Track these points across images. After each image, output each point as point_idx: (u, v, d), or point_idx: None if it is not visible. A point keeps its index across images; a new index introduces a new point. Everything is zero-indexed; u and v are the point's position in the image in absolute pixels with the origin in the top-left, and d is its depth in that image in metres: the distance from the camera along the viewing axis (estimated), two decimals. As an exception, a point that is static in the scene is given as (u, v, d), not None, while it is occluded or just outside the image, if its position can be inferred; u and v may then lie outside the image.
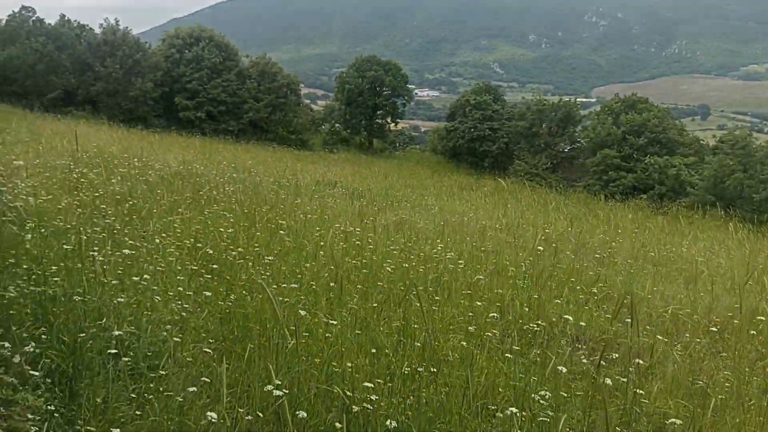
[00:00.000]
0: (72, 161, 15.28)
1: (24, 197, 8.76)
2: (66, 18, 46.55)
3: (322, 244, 8.62)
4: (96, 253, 5.84)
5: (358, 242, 9.29)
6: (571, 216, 23.59)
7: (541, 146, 47.31)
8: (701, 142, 44.62)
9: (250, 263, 7.28)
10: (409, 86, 59.73)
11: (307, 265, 7.31)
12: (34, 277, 5.67)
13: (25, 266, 6.07)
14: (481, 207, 23.36)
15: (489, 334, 5.52)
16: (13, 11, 44.66)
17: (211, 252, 7.30)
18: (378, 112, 57.07)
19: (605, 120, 43.67)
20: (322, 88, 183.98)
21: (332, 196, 18.83)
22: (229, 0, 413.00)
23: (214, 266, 6.84)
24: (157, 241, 7.26)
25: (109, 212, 9.56)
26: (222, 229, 8.69)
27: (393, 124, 58.79)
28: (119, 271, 5.96)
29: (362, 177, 30.88)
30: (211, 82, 47.87)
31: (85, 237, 6.78)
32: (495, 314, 6.38)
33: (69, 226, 7.90)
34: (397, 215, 16.03)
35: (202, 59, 48.21)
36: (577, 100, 52.55)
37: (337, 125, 57.92)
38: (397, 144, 60.75)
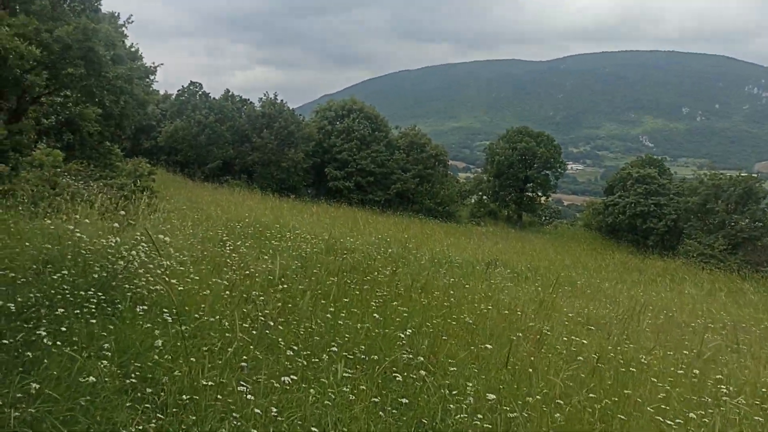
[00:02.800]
0: (225, 232, 14.31)
1: (167, 278, 7.32)
2: (230, 93, 48.87)
3: (532, 359, 6.36)
4: (243, 382, 3.98)
5: (574, 353, 6.92)
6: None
7: (716, 225, 42.26)
8: None
9: (446, 391, 5.16)
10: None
11: (530, 399, 5.07)
12: (156, 418, 3.90)
13: (149, 389, 4.35)
14: (667, 296, 19.97)
15: None
16: (183, 86, 47.61)
17: (397, 376, 5.27)
18: (528, 185, 54.44)
19: (797, 197, 38.18)
20: (464, 161, 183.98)
21: (499, 276, 16.53)
22: (375, 78, 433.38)
23: (404, 400, 4.79)
24: (325, 357, 5.33)
25: (261, 299, 7.93)
26: (399, 332, 6.70)
27: (544, 198, 55.76)
28: (273, 411, 4.04)
29: (519, 254, 28.30)
30: (360, 152, 47.91)
31: (232, 345, 5.02)
32: None
33: (213, 319, 6.25)
34: (582, 305, 13.41)
35: (352, 130, 48.55)
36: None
37: (484, 197, 55.94)
38: (543, 218, 57.63)
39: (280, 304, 8.32)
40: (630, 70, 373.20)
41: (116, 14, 29.37)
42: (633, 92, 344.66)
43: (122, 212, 7.73)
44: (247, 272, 9.83)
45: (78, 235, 7.19)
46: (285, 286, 8.97)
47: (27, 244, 8.82)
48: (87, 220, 8.45)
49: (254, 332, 6.19)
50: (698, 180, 44.49)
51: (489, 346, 6.24)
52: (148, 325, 5.47)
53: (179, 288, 7.03)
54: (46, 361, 4.34)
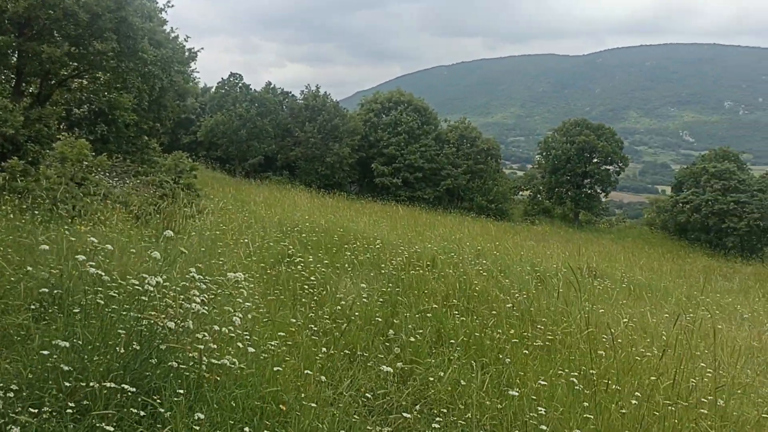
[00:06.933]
0: (287, 243, 11.48)
1: (239, 338, 4.44)
2: (271, 85, 46.27)
3: None
4: None
5: None
6: None
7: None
8: None
9: None
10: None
11: None
12: None
13: None
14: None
15: None
16: (222, 78, 45.18)
17: None
18: (586, 181, 50.84)
19: None
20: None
21: (610, 291, 13.42)
22: (408, 74, 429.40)
23: None
24: None
25: (378, 365, 5.05)
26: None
27: (603, 195, 52.05)
28: None
29: (599, 259, 25.01)
30: (408, 147, 44.93)
31: None
32: None
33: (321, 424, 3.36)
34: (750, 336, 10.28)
35: (399, 123, 45.60)
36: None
37: (538, 195, 52.49)
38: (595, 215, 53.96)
39: (401, 364, 5.43)
40: (669, 63, 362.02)
41: (154, -1, 26.79)
42: (672, 86, 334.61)
43: (169, 233, 4.87)
44: (339, 306, 6.98)
45: (93, 270, 4.32)
46: (399, 337, 6.06)
47: (29, 268, 6.08)
48: (113, 233, 5.64)
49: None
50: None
51: None
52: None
53: (263, 358, 4.15)
54: None
